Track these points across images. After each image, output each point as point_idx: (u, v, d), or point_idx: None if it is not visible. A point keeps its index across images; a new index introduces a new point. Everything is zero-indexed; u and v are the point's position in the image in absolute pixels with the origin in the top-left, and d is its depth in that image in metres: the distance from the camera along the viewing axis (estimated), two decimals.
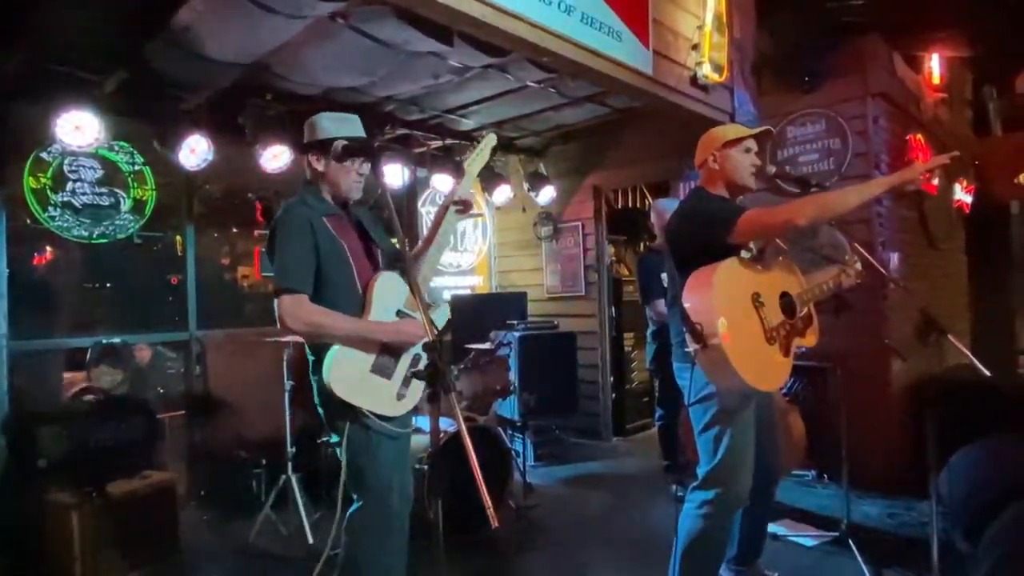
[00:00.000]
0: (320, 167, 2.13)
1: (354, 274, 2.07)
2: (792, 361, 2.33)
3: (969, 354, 2.13)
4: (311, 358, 2.10)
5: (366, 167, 2.15)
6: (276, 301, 1.97)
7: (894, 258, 4.46)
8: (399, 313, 2.11)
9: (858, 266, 2.57)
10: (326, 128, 2.12)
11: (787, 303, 2.35)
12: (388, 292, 2.11)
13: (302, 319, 1.96)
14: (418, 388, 2.10)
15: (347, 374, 1.98)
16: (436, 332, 1.67)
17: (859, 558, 2.96)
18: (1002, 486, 2.76)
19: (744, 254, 2.35)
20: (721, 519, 2.34)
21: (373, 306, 2.06)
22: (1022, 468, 2.99)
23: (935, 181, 5.17)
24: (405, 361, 2.10)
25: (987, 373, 2.08)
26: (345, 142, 2.09)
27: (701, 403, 2.37)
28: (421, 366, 2.08)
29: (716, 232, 2.23)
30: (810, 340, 2.42)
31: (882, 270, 2.45)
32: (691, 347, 2.14)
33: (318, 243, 2.02)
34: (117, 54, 3.45)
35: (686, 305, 2.20)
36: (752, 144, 2.46)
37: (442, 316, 2.23)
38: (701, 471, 2.39)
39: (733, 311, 2.14)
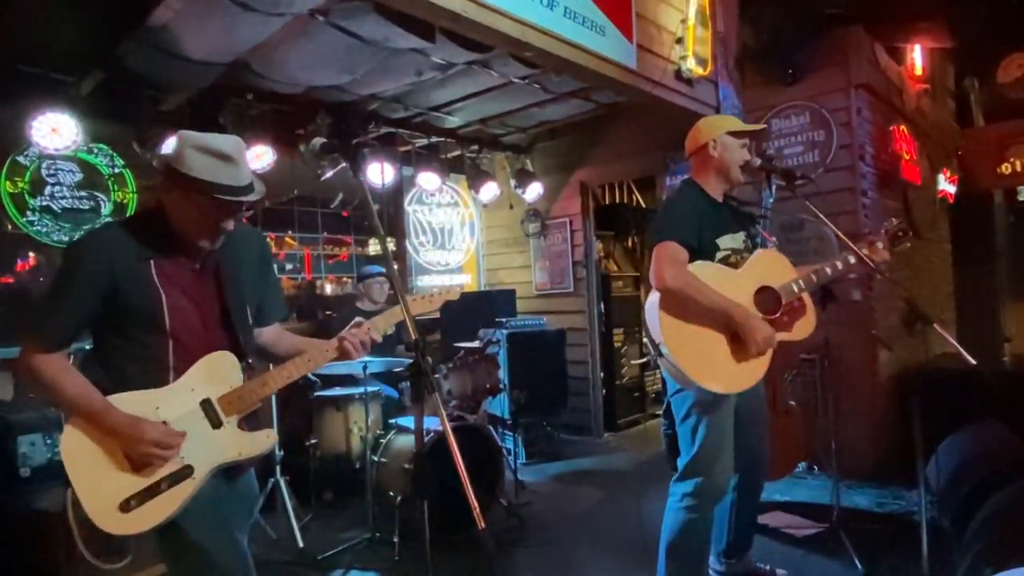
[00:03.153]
0: (168, 200, 1.64)
1: (167, 341, 1.60)
2: (768, 358, 2.28)
3: (955, 343, 2.13)
4: None
5: (231, 224, 1.66)
6: (21, 349, 1.55)
7: None
8: (205, 404, 1.63)
9: (879, 245, 2.47)
10: (199, 167, 1.58)
11: (768, 297, 2.32)
12: (208, 374, 1.65)
13: (34, 371, 1.54)
14: (157, 512, 1.55)
15: (83, 435, 1.55)
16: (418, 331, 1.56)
17: (849, 548, 2.97)
18: (988, 473, 2.79)
19: (719, 255, 2.34)
20: (702, 510, 2.35)
21: (177, 384, 1.63)
22: (1008, 455, 3.01)
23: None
24: (166, 468, 1.57)
25: (973, 361, 2.08)
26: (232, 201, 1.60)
27: (679, 394, 2.39)
28: (163, 487, 1.56)
29: (655, 237, 2.26)
30: (797, 334, 2.36)
31: (868, 261, 2.43)
32: (651, 354, 2.24)
33: (116, 291, 1.56)
34: (92, 55, 3.39)
35: (645, 315, 2.28)
36: (747, 140, 2.47)
37: (263, 442, 1.73)
38: (680, 463, 2.40)
39: (683, 321, 2.19)
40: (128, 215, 1.75)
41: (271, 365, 1.83)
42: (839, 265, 2.41)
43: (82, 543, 1.58)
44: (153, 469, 1.56)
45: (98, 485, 1.53)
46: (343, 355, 1.77)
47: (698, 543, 2.40)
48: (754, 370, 2.28)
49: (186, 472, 1.58)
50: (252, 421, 1.74)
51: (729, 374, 2.23)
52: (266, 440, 1.72)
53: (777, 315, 2.31)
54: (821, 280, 2.40)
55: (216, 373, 1.66)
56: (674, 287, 2.16)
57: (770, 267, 2.38)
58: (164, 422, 1.59)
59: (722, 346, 2.23)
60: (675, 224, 2.27)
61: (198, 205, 1.60)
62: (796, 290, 2.34)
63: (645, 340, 2.34)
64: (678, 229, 2.24)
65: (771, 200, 2.77)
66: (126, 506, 1.52)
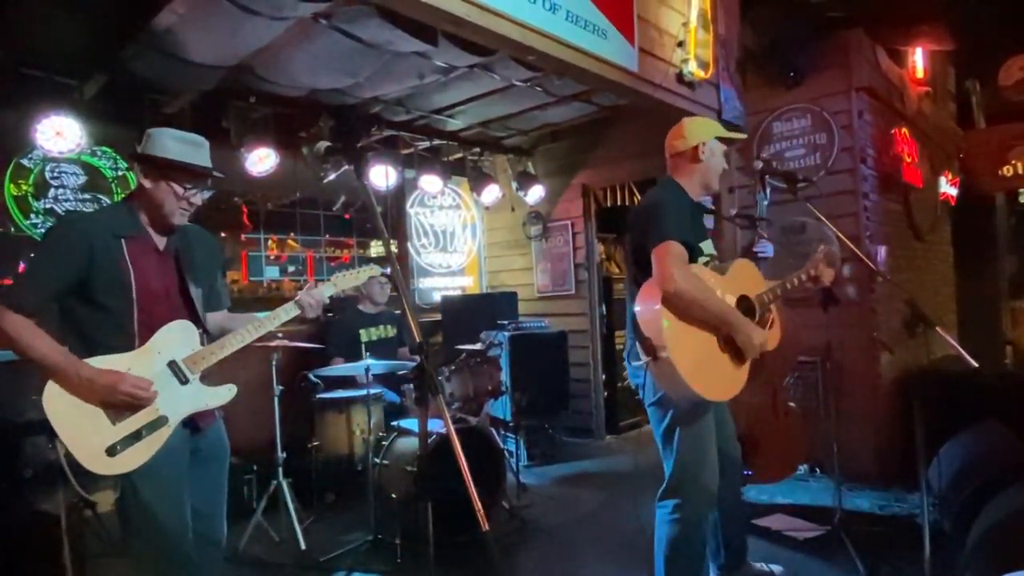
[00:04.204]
0: (147, 183, 1.89)
1: (132, 310, 1.83)
2: (747, 370, 2.28)
3: (957, 345, 2.14)
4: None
5: (200, 198, 1.97)
6: None
7: (881, 251, 4.49)
8: (171, 364, 1.86)
9: (829, 248, 2.56)
10: (169, 148, 1.89)
11: (746, 307, 2.32)
12: (170, 340, 1.88)
13: (6, 327, 1.72)
14: (141, 454, 1.77)
15: (63, 391, 1.73)
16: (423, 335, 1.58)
17: (851, 550, 2.97)
18: (990, 476, 2.79)
19: (702, 259, 2.33)
20: (694, 521, 2.30)
21: (144, 347, 1.85)
22: (1009, 457, 3.01)
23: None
24: (144, 417, 1.79)
25: (974, 364, 2.08)
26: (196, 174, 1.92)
27: (657, 405, 2.34)
28: (147, 434, 1.78)
29: (655, 235, 2.16)
30: (769, 344, 2.35)
31: (869, 263, 2.44)
32: (643, 359, 2.14)
33: (92, 267, 1.78)
34: (96, 58, 3.41)
35: (637, 316, 2.19)
36: (726, 148, 2.49)
37: (225, 394, 1.98)
38: (666, 474, 2.36)
39: (684, 325, 2.14)
40: (115, 205, 2.06)
41: None
42: (796, 281, 2.47)
43: (73, 478, 1.81)
44: (134, 419, 1.77)
45: (84, 434, 1.73)
46: (302, 311, 2.07)
47: (693, 555, 2.35)
48: (740, 379, 2.29)
49: (161, 421, 1.81)
50: (214, 378, 1.98)
51: (721, 382, 2.23)
52: (227, 393, 1.97)
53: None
54: (784, 293, 2.43)
55: (178, 338, 1.90)
56: (685, 290, 2.08)
57: (746, 277, 2.40)
58: None
59: (716, 354, 2.22)
60: (674, 223, 2.19)
61: (175, 181, 1.89)
62: (766, 301, 2.37)
63: (638, 343, 2.20)
64: (677, 228, 2.18)
65: (766, 203, 2.78)
66: (112, 451, 1.73)
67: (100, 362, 1.76)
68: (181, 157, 1.90)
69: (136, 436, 1.76)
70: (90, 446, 1.72)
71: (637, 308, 2.20)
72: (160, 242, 1.96)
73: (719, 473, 2.35)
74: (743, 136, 2.57)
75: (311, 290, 2.13)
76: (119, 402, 1.75)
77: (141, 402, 1.77)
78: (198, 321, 1.99)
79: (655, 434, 2.40)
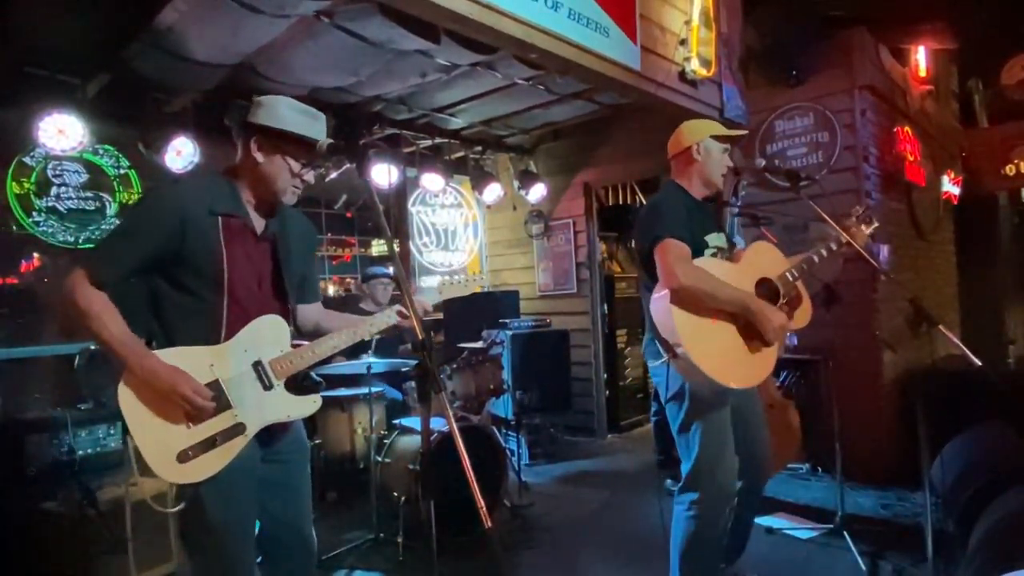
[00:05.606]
0: (260, 157, 1.73)
1: (222, 299, 1.65)
2: (777, 349, 2.29)
3: (960, 344, 2.13)
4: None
5: (311, 176, 1.80)
6: (73, 271, 1.58)
7: (883, 250, 4.48)
8: (257, 365, 1.69)
9: (864, 228, 2.49)
10: (286, 118, 1.72)
11: (768, 289, 2.32)
12: (259, 337, 1.70)
13: (78, 298, 1.55)
14: (213, 463, 1.60)
15: (139, 388, 1.58)
16: (424, 330, 1.56)
17: (854, 549, 2.97)
18: (993, 475, 2.78)
19: (708, 251, 2.34)
20: (711, 517, 2.30)
21: (230, 342, 1.67)
22: (1012, 457, 3.01)
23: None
24: (220, 423, 1.62)
25: (978, 363, 2.07)
26: (330, 142, 1.74)
27: (675, 400, 2.35)
28: (221, 440, 1.61)
29: (651, 236, 2.24)
30: (799, 322, 2.37)
31: (873, 262, 2.43)
32: (664, 357, 2.21)
33: (184, 243, 1.61)
34: (98, 57, 3.41)
35: (652, 316, 2.25)
36: (728, 146, 2.49)
37: (310, 406, 1.79)
38: (683, 471, 2.37)
39: (698, 318, 2.15)
40: (201, 172, 1.85)
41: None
42: (824, 252, 2.42)
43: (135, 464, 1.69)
44: (209, 423, 1.61)
45: (156, 436, 1.58)
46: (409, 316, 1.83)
47: (710, 551, 2.36)
48: (766, 361, 2.28)
49: (239, 429, 1.64)
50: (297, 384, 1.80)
51: (745, 368, 2.23)
52: (312, 404, 1.78)
53: (778, 305, 2.31)
54: (812, 268, 2.40)
55: (267, 335, 1.72)
56: (688, 284, 2.12)
57: (765, 259, 2.39)
58: (216, 380, 1.64)
59: (735, 341, 2.22)
60: (669, 221, 2.25)
61: (292, 155, 1.73)
62: (791, 279, 2.35)
63: (656, 342, 2.27)
64: (674, 226, 2.24)
65: (737, 204, 2.81)
66: (184, 456, 1.57)
67: (178, 353, 1.60)
68: (300, 130, 1.72)
69: (211, 443, 1.60)
70: (161, 449, 1.57)
71: (652, 310, 2.25)
72: (259, 225, 1.77)
73: (743, 471, 2.36)
74: (742, 133, 2.57)
75: (415, 298, 1.87)
76: (175, 404, 1.58)
77: (197, 412, 1.59)
78: (288, 317, 1.81)
79: (672, 431, 2.41)
